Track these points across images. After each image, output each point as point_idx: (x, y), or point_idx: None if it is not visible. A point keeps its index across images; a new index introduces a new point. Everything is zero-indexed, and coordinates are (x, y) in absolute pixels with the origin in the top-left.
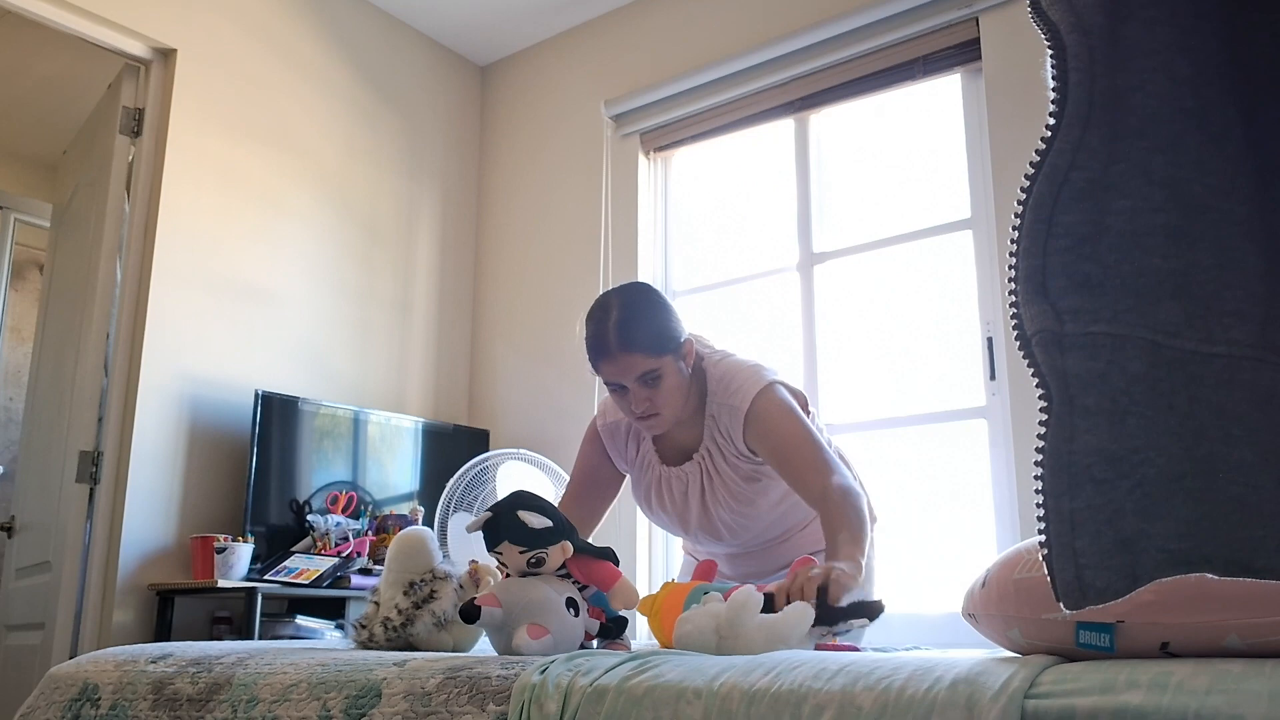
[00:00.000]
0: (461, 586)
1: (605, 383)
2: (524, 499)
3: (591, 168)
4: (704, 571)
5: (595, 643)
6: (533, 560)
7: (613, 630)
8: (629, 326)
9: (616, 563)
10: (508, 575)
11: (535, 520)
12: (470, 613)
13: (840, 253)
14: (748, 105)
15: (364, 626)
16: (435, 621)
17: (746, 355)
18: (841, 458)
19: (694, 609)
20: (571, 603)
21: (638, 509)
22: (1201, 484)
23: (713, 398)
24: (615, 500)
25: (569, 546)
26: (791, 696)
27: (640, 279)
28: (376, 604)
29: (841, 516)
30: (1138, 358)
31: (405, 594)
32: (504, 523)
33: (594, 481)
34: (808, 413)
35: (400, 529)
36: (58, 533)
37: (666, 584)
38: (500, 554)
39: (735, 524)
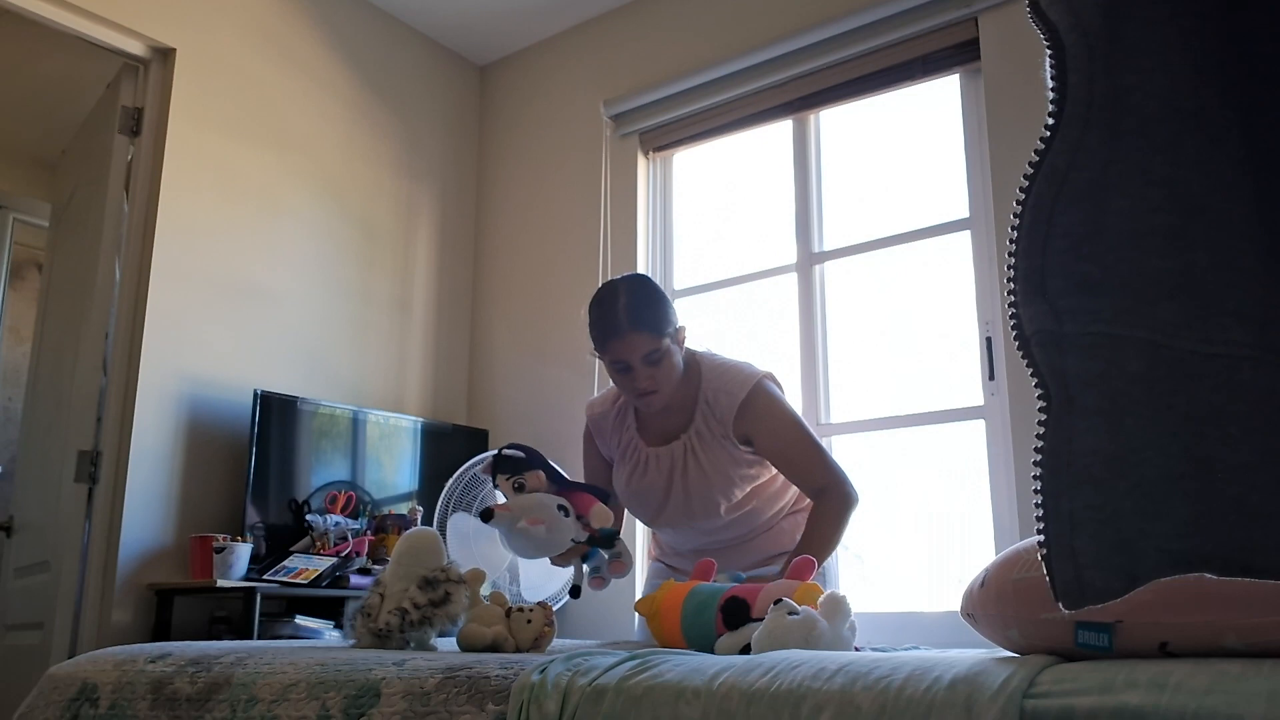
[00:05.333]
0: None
1: (611, 363)
2: (513, 445)
3: (590, 168)
4: (702, 571)
5: (588, 556)
6: (516, 485)
7: (604, 540)
8: (637, 308)
9: (602, 496)
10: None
11: (514, 454)
12: (487, 513)
13: (839, 253)
14: (747, 105)
15: (369, 615)
16: (452, 626)
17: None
18: None
19: (776, 621)
20: (562, 507)
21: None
22: (1200, 484)
23: (708, 384)
24: None
25: (541, 475)
26: (790, 696)
27: None
28: (382, 595)
29: (827, 519)
30: (1137, 358)
31: (421, 589)
32: (498, 461)
33: (604, 480)
34: None
35: (399, 529)
36: (56, 532)
37: (666, 583)
38: (499, 487)
39: (709, 502)
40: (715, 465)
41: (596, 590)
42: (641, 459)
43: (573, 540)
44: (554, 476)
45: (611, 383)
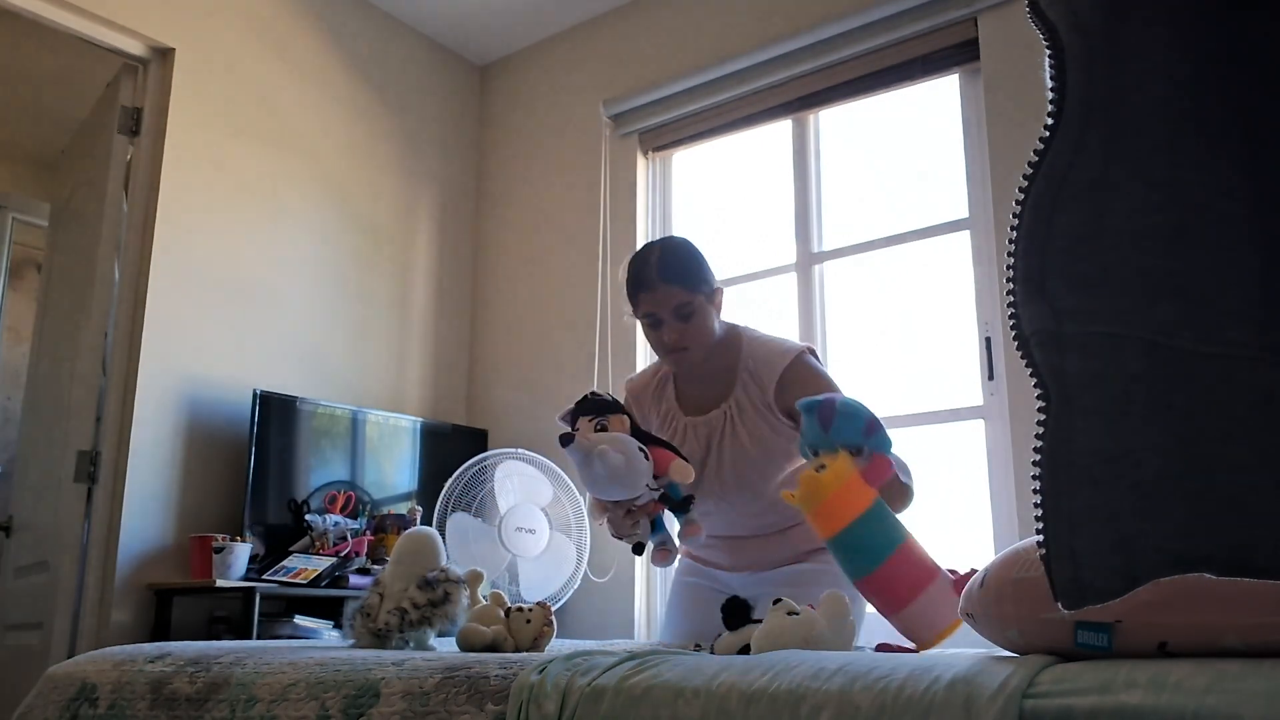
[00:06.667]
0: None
1: (643, 316)
2: (597, 393)
3: (590, 168)
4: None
5: (655, 524)
6: (599, 426)
7: (679, 505)
8: (667, 262)
9: (677, 452)
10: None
11: (602, 398)
12: (567, 437)
13: (838, 253)
14: (746, 105)
15: (368, 615)
16: (451, 626)
17: None
18: None
19: (776, 621)
20: (641, 449)
21: None
22: (1200, 484)
23: (748, 355)
24: None
25: (625, 419)
26: (790, 696)
27: None
28: (381, 595)
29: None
30: (1136, 358)
31: (420, 589)
32: (582, 403)
33: None
34: None
35: (399, 529)
36: (56, 532)
37: (837, 466)
38: (578, 429)
39: (746, 478)
40: (754, 436)
41: (660, 565)
42: (679, 428)
43: (646, 486)
44: (636, 429)
45: (643, 363)
